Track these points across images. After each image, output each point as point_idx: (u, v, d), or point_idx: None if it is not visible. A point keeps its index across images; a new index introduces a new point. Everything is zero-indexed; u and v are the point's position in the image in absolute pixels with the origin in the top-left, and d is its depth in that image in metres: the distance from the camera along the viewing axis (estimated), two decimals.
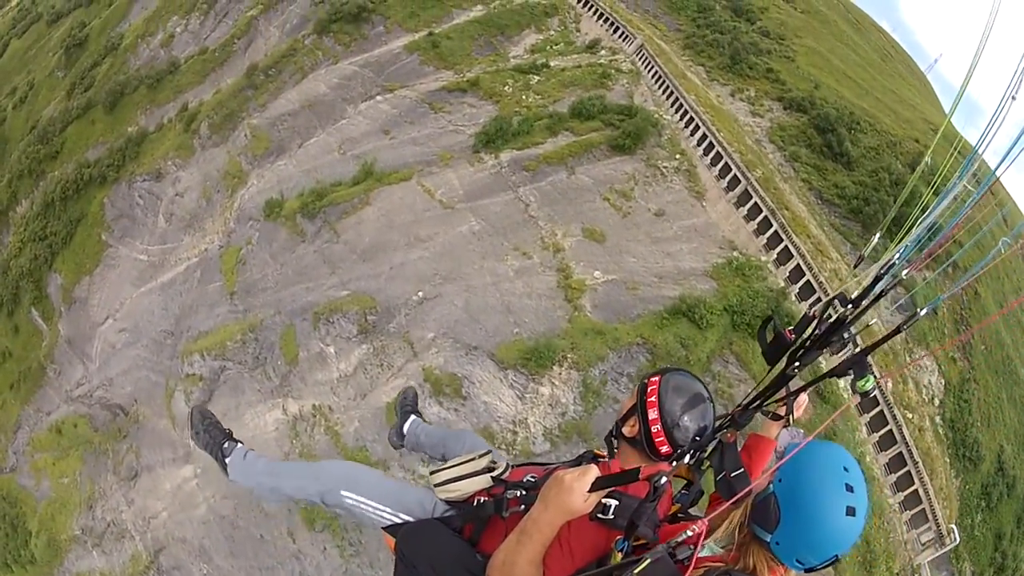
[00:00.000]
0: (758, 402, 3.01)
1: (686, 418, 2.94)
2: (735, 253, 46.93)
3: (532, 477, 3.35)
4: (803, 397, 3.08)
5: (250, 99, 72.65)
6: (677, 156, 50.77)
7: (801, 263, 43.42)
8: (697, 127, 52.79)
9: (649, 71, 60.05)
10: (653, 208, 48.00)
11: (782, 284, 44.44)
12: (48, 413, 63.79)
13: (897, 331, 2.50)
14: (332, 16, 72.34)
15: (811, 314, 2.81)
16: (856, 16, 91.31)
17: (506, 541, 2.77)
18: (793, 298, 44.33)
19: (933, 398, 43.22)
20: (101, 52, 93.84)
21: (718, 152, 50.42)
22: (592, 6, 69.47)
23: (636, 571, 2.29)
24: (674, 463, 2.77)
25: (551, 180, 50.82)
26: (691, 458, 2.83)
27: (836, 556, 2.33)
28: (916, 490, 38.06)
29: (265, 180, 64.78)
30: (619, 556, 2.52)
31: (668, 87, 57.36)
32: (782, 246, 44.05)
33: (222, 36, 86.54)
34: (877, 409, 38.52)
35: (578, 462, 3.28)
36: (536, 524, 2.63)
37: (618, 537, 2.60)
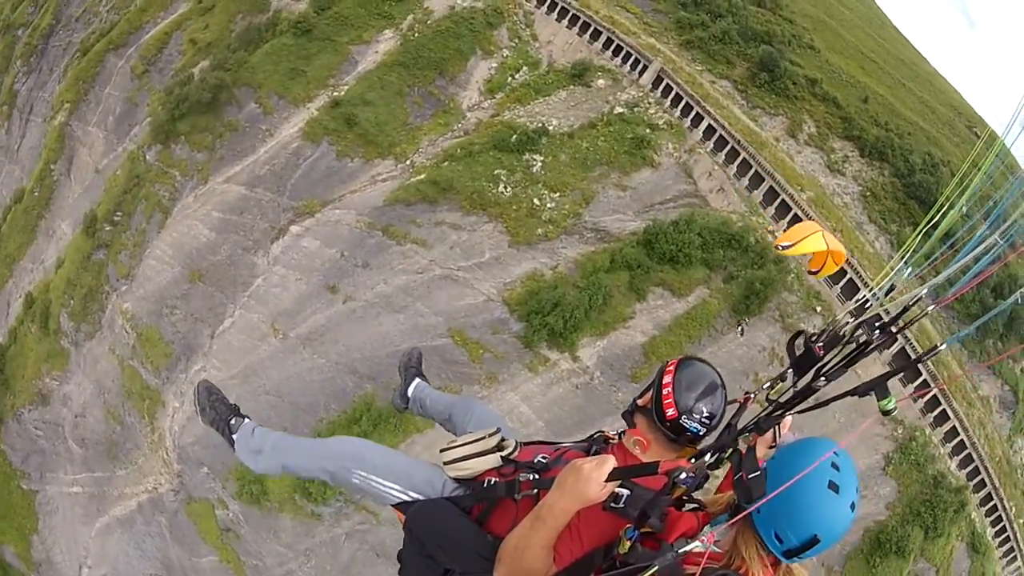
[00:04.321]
0: (782, 410, 2.04)
1: (697, 394, 2.12)
2: (899, 431, 24.89)
3: (543, 458, 2.37)
4: (788, 419, 2.15)
5: (105, 264, 35.41)
6: (817, 308, 25.66)
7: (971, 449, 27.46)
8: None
9: (694, 120, 29.72)
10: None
11: (948, 460, 27.34)
12: None
13: (918, 360, 1.94)
14: (174, 110, 33.21)
15: (841, 333, 2.06)
16: None
17: (519, 526, 2.05)
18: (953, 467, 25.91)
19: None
20: None
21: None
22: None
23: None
24: (693, 459, 1.97)
25: None
26: (711, 457, 1.94)
27: (816, 538, 1.64)
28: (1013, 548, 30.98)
29: (190, 399, 32.35)
30: (627, 544, 1.85)
31: (737, 154, 28.36)
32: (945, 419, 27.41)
33: (34, 147, 44.12)
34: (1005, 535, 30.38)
35: (589, 446, 2.35)
36: (551, 510, 1.96)
37: (628, 526, 1.90)
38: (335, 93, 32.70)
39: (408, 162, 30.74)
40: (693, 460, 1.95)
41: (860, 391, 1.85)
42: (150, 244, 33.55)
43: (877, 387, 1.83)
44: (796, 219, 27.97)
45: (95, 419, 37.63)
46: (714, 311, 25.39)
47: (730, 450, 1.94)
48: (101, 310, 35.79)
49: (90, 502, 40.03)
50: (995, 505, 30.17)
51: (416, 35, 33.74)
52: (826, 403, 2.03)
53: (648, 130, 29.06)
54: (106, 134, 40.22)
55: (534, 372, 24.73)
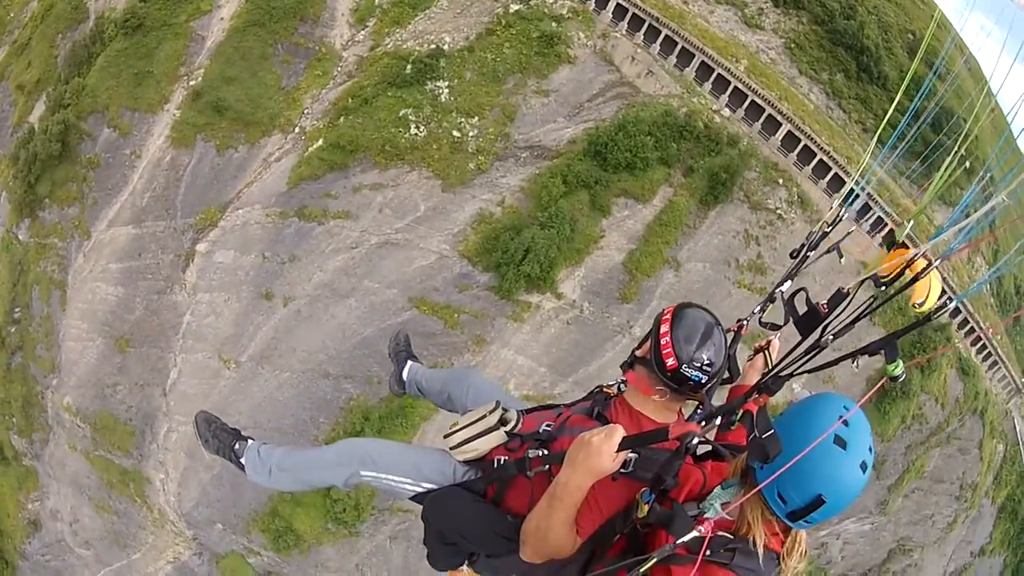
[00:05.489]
0: (791, 370, 2.01)
1: (696, 343, 2.05)
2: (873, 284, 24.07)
3: (547, 426, 2.34)
4: (775, 342, 2.46)
5: (27, 366, 31.20)
6: (779, 180, 23.83)
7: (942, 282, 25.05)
8: (774, 121, 24.98)
9: (598, 2, 25.83)
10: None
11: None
12: None
13: (928, 319, 1.92)
14: (28, 177, 27.77)
15: (845, 290, 2.11)
16: None
17: (537, 507, 2.03)
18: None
19: (989, 288, 32.97)
20: None
21: (821, 160, 25.23)
22: None
23: (641, 571, 1.70)
24: (704, 423, 1.90)
25: (661, 293, 22.29)
26: (722, 419, 1.90)
27: (821, 498, 1.55)
28: (1007, 376, 33.27)
29: (172, 465, 28.91)
30: (645, 508, 1.85)
31: (657, 32, 25.11)
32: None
33: None
34: (987, 351, 32.31)
35: (591, 407, 2.32)
36: (566, 488, 1.93)
37: (644, 489, 1.89)
38: (192, 82, 27.48)
39: (297, 130, 26.08)
40: (703, 424, 1.87)
41: (871, 350, 1.79)
42: (60, 327, 29.22)
43: (888, 347, 1.75)
44: (739, 96, 25.32)
45: (89, 518, 34.72)
46: (683, 209, 23.30)
47: (740, 412, 1.82)
48: (44, 412, 31.91)
49: None
50: (972, 327, 31.36)
51: None
52: (834, 363, 1.92)
53: (554, 23, 24.85)
54: None
55: (520, 321, 21.98)
